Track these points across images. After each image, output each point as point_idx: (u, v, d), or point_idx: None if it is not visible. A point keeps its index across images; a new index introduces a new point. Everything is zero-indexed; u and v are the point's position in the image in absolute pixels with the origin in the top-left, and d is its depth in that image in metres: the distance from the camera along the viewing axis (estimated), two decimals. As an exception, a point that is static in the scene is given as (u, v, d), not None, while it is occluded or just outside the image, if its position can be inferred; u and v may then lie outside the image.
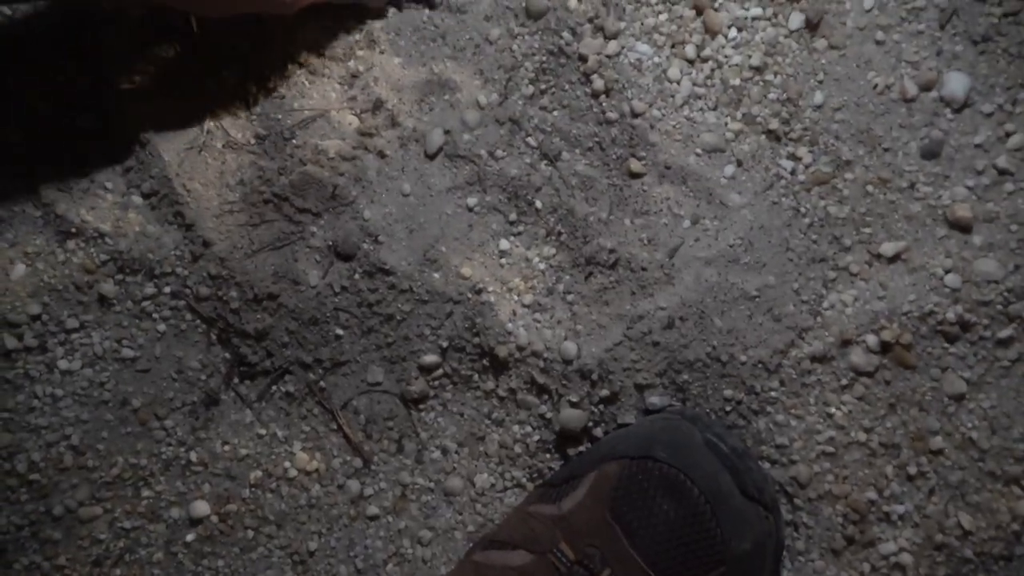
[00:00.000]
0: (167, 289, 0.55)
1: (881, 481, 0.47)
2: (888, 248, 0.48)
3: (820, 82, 0.50)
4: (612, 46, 0.50)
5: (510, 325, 0.51)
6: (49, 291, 0.54)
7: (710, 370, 0.48)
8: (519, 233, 0.52)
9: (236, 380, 0.56)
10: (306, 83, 0.54)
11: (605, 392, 0.49)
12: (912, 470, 0.47)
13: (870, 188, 0.49)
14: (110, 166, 0.54)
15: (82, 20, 0.54)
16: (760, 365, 0.48)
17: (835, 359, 0.48)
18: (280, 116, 0.53)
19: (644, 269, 0.48)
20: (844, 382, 0.48)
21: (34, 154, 0.54)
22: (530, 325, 0.51)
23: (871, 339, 0.47)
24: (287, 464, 0.55)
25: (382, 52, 0.53)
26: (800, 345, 0.48)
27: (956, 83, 0.48)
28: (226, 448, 0.56)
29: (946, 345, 0.47)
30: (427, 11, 0.53)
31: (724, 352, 0.48)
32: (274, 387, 0.55)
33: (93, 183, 0.54)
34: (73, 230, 0.54)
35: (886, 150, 0.49)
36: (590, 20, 0.50)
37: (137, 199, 0.54)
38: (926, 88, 0.49)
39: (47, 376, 0.55)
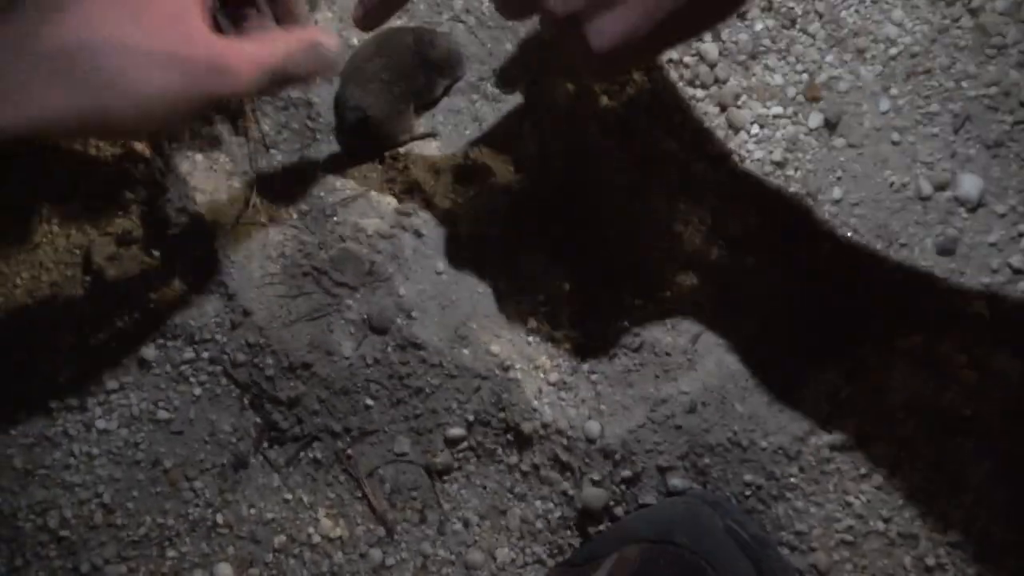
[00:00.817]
0: (205, 355, 0.57)
1: (899, 571, 0.48)
2: (905, 342, 0.50)
3: (839, 178, 0.53)
4: (640, 139, 0.53)
5: (535, 403, 0.52)
6: (92, 352, 0.57)
7: (731, 454, 0.49)
8: (546, 312, 0.54)
9: (266, 445, 0.58)
10: (348, 164, 0.57)
11: (627, 472, 0.50)
12: (931, 562, 0.48)
13: (887, 281, 0.51)
14: (157, 232, 0.57)
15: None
16: (780, 451, 0.49)
17: (853, 448, 0.49)
18: (323, 194, 0.56)
19: (668, 354, 0.50)
20: (863, 471, 0.49)
21: (91, 225, 0.57)
22: (555, 403, 0.52)
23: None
24: (311, 530, 0.56)
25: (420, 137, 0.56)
26: (819, 433, 0.49)
27: (970, 184, 0.50)
28: (252, 511, 0.57)
29: (959, 440, 0.48)
30: (468, 98, 0.57)
31: (745, 437, 0.49)
32: (302, 453, 0.57)
33: (140, 250, 0.57)
34: (119, 295, 0.56)
35: (903, 245, 0.51)
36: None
37: (181, 267, 0.57)
38: (941, 188, 0.51)
39: (84, 435, 0.57)
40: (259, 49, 0.40)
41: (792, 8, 0.55)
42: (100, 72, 0.35)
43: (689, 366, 0.50)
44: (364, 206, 0.55)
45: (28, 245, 0.57)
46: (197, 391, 0.57)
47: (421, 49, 0.52)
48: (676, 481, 0.49)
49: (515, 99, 0.56)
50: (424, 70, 0.53)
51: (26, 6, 0.35)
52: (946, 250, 0.51)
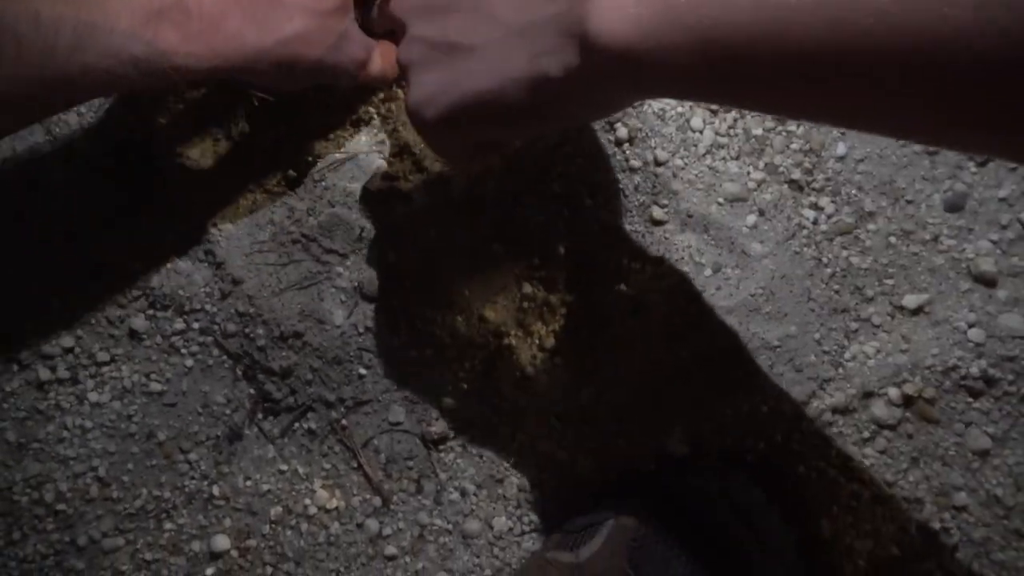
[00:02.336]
0: (196, 325, 0.56)
1: (904, 537, 0.47)
2: (911, 300, 0.48)
3: (842, 133, 0.51)
4: (636, 96, 0.51)
5: (530, 369, 0.51)
6: (82, 324, 0.56)
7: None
8: (540, 277, 0.53)
9: (260, 416, 0.57)
10: (336, 128, 0.55)
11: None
12: (935, 526, 0.47)
13: (893, 240, 0.49)
14: (146, 204, 0.56)
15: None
16: (781, 415, 0.48)
17: (857, 411, 0.48)
18: (310, 159, 0.55)
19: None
20: (866, 435, 0.48)
21: (74, 194, 0.56)
22: (550, 370, 0.51)
23: (893, 392, 0.47)
24: (307, 501, 0.55)
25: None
26: (821, 396, 0.48)
27: (980, 137, 0.48)
28: (248, 483, 0.56)
29: (970, 400, 0.47)
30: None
31: (745, 402, 0.48)
32: (297, 424, 0.56)
33: (128, 220, 0.56)
34: (106, 265, 0.55)
35: (909, 202, 0.50)
36: (615, 71, 0.51)
37: (169, 236, 0.56)
38: (949, 141, 0.49)
39: (77, 408, 0.57)
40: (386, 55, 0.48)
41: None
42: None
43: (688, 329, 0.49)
44: (353, 170, 0.54)
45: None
46: (189, 362, 0.56)
47: None
48: (674, 447, 0.48)
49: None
50: None
51: None
52: (954, 206, 0.49)
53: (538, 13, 0.31)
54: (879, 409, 0.47)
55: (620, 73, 0.28)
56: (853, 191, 0.50)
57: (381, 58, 0.49)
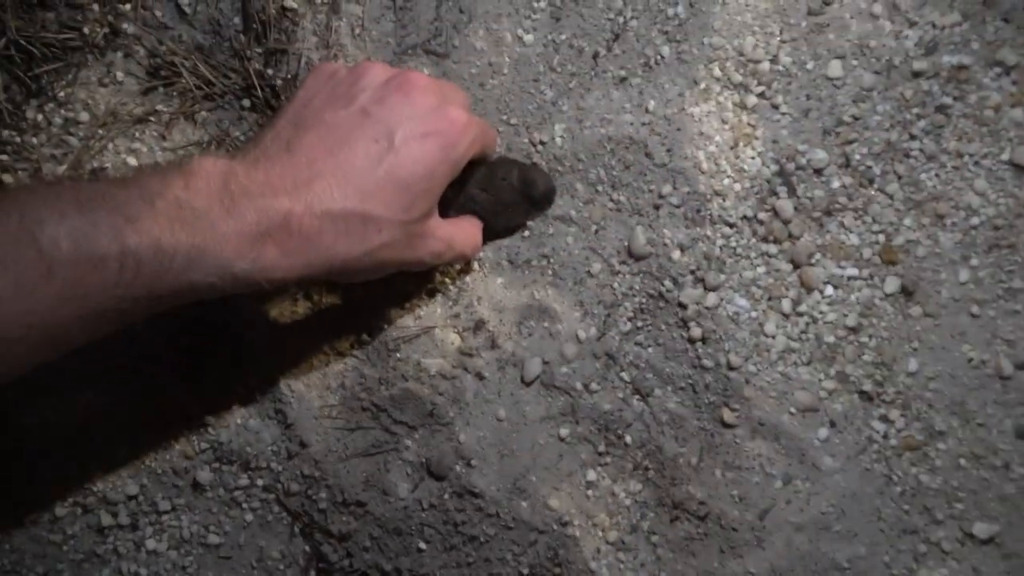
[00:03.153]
0: (260, 482, 0.56)
1: None
2: (981, 529, 0.48)
3: (915, 349, 0.51)
4: (711, 298, 0.52)
5: (593, 563, 0.51)
6: (148, 473, 0.57)
7: (796, 639, 0.48)
8: (607, 464, 0.53)
9: (313, 574, 0.57)
10: (413, 297, 0.56)
11: (686, 649, 0.48)
12: None
13: (963, 462, 0.50)
14: (223, 360, 0.57)
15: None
16: (847, 640, 0.47)
17: (925, 641, 0.47)
18: (385, 326, 0.56)
19: (735, 529, 0.49)
20: (934, 666, 0.47)
21: (155, 344, 0.57)
22: (613, 565, 0.51)
23: (963, 625, 0.47)
24: (355, 669, 0.55)
25: (485, 274, 0.56)
26: (889, 622, 0.48)
27: (1053, 366, 0.49)
28: (295, 643, 0.56)
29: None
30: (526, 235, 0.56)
31: (811, 623, 0.47)
32: (350, 587, 0.56)
33: (203, 373, 0.57)
34: (179, 417, 0.56)
35: (980, 425, 0.50)
36: (692, 272, 0.53)
37: (242, 393, 0.57)
38: (1022, 367, 0.50)
39: (134, 554, 0.57)
40: (464, 239, 0.51)
41: (871, 167, 0.54)
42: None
43: (756, 544, 0.49)
44: (427, 344, 0.55)
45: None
46: (249, 517, 0.57)
47: (525, 189, 0.53)
48: (737, 663, 0.48)
49: (583, 241, 0.56)
50: (523, 206, 0.54)
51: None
52: (1026, 433, 0.49)
53: None
54: (948, 641, 0.47)
55: None
56: (924, 408, 0.51)
57: (460, 236, 0.51)
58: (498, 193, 0.53)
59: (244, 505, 0.57)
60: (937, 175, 0.53)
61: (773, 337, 0.52)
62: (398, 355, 0.55)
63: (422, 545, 0.54)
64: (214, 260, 0.40)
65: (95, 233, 0.37)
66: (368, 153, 0.44)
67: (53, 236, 0.36)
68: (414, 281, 0.57)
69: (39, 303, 0.36)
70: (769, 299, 0.53)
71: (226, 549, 0.57)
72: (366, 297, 0.57)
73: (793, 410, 0.51)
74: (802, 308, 0.53)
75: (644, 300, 0.54)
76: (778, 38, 0.54)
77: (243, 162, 0.42)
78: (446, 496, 0.53)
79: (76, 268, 0.36)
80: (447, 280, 0.56)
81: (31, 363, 0.38)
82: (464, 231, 0.52)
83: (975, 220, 0.52)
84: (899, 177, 0.54)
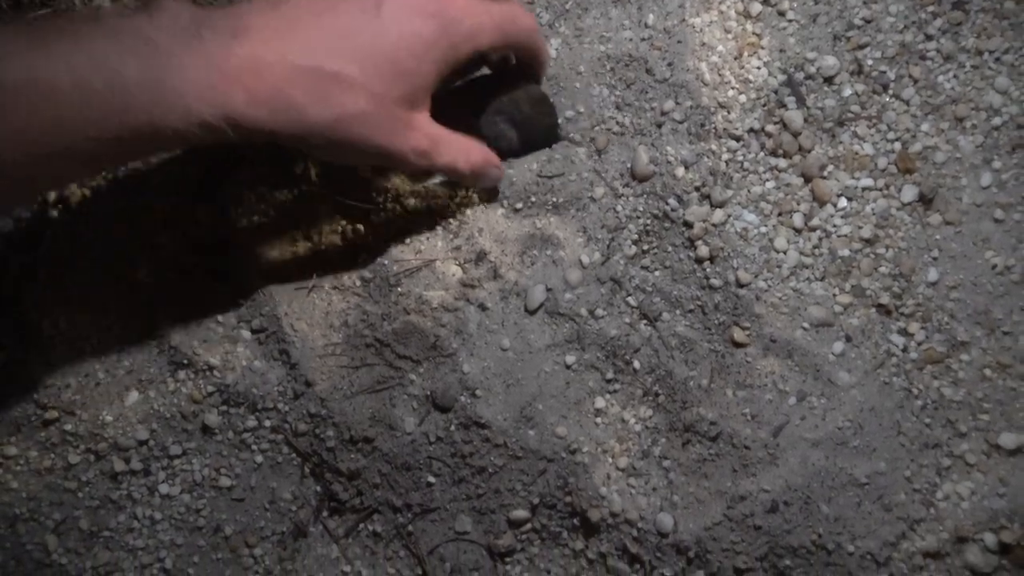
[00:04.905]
0: (267, 423, 0.56)
1: None
2: (1008, 440, 0.46)
3: (935, 258, 0.49)
4: (718, 215, 0.50)
5: (603, 489, 0.50)
6: (158, 418, 0.57)
7: (815, 558, 0.46)
8: (615, 391, 0.52)
9: (325, 514, 0.57)
10: (413, 232, 0.55)
11: (701, 571, 0.47)
12: None
13: (988, 372, 0.47)
14: (224, 303, 0.57)
15: (211, 167, 0.57)
16: (869, 556, 0.46)
17: (949, 556, 0.46)
18: (387, 262, 0.55)
19: (747, 447, 0.47)
20: (960, 582, 0.45)
21: (158, 290, 0.57)
22: (624, 491, 0.50)
23: (989, 538, 0.45)
24: (370, 605, 0.55)
25: (485, 206, 0.55)
26: (912, 538, 0.46)
27: (1083, 269, 0.46)
28: (311, 582, 0.56)
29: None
30: (535, 167, 0.55)
31: (830, 540, 0.46)
32: (362, 525, 0.56)
33: (206, 318, 0.57)
34: (185, 361, 0.56)
35: (1006, 333, 0.48)
36: (697, 188, 0.51)
37: (246, 334, 0.56)
38: (1050, 271, 0.47)
39: (148, 499, 0.57)
40: (457, 149, 0.48)
41: (884, 72, 0.51)
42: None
43: (770, 461, 0.47)
44: (429, 277, 0.54)
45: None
46: (259, 459, 0.57)
47: (528, 119, 0.52)
48: (754, 583, 0.46)
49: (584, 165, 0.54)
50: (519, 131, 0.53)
51: None
52: (1055, 340, 0.47)
53: None
54: (973, 555, 0.45)
55: None
56: (945, 318, 0.48)
57: (452, 143, 0.48)
58: (522, 124, 0.52)
59: (254, 447, 0.57)
60: (955, 76, 0.51)
61: (784, 252, 0.50)
62: (399, 290, 0.54)
63: (431, 479, 0.53)
64: (175, 99, 0.38)
65: (48, 64, 0.36)
66: (352, 18, 0.42)
67: (3, 68, 0.35)
68: (415, 217, 0.56)
69: None
70: (779, 214, 0.51)
71: (238, 491, 0.57)
72: (366, 233, 0.56)
73: (806, 326, 0.49)
74: (814, 222, 0.50)
75: (649, 222, 0.52)
76: (781, -62, 0.51)
77: (218, 7, 0.41)
78: (452, 428, 0.52)
79: (28, 98, 0.35)
80: (449, 212, 0.55)
81: None
82: (458, 141, 0.48)
83: (997, 120, 0.50)
84: (915, 81, 0.51)
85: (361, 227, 0.56)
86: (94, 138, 0.38)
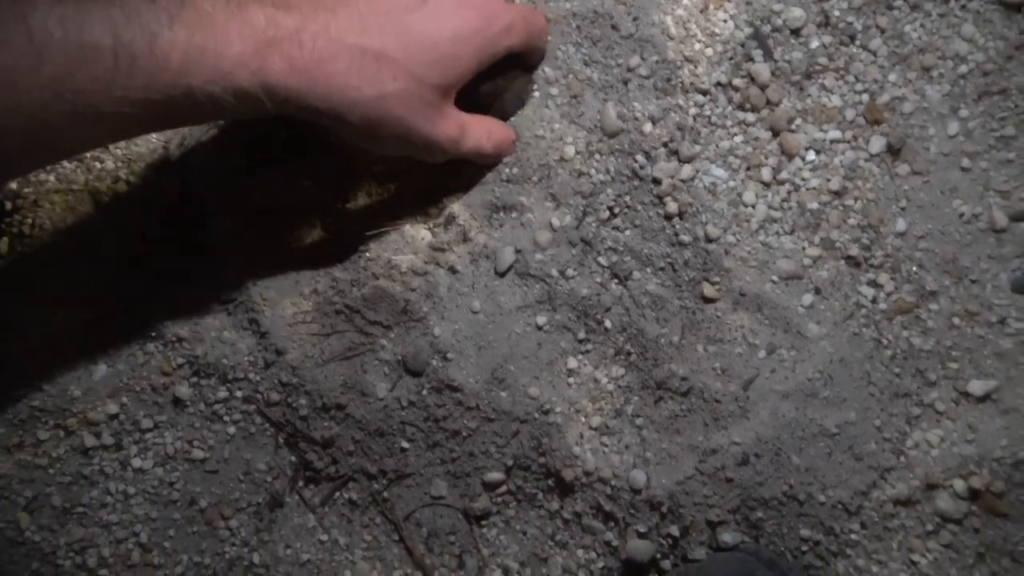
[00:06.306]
0: (239, 393, 0.56)
1: (971, 637, 0.45)
2: (977, 387, 0.46)
3: (903, 208, 0.49)
4: (686, 170, 0.50)
5: (577, 448, 0.50)
6: (127, 391, 0.56)
7: (786, 509, 0.46)
8: (587, 352, 0.52)
9: (301, 484, 0.56)
10: (382, 197, 0.55)
11: (674, 526, 0.47)
12: (1005, 626, 0.44)
13: (956, 321, 0.47)
14: (192, 275, 0.56)
15: (180, 139, 0.56)
16: (840, 506, 0.46)
17: (920, 503, 0.46)
18: (355, 228, 0.54)
19: (718, 401, 0.47)
20: (929, 528, 0.46)
21: (125, 264, 0.56)
22: (597, 449, 0.50)
23: (959, 484, 0.45)
24: (348, 573, 0.55)
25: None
26: (882, 487, 0.46)
27: (1050, 214, 0.46)
28: (288, 552, 0.56)
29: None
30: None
31: (802, 491, 0.46)
32: (337, 493, 0.56)
33: (174, 290, 0.56)
34: (153, 334, 0.56)
35: (973, 282, 0.48)
36: (664, 144, 0.50)
37: (215, 305, 0.56)
38: (1017, 219, 0.47)
39: (120, 473, 0.57)
40: (480, 131, 0.49)
41: (851, 23, 0.51)
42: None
43: (741, 414, 0.47)
44: (398, 241, 0.53)
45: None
46: (231, 430, 0.56)
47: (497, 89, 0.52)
48: (727, 536, 0.46)
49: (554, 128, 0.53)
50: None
51: None
52: (1023, 287, 0.47)
53: None
54: (944, 502, 0.45)
55: None
56: (914, 268, 0.48)
57: (477, 125, 0.48)
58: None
59: (226, 418, 0.56)
60: (922, 25, 0.50)
61: (753, 207, 0.50)
62: (368, 255, 0.54)
63: (405, 444, 0.53)
64: (214, 63, 0.37)
65: (88, 21, 0.35)
66: (398, 1, 0.42)
67: (43, 21, 0.34)
68: (383, 180, 0.55)
69: (27, 93, 0.34)
70: (748, 168, 0.51)
71: (212, 463, 0.56)
72: (333, 197, 0.55)
73: (776, 279, 0.49)
74: (783, 176, 0.50)
75: (621, 183, 0.52)
76: None
77: None
78: (425, 392, 0.52)
79: (67, 57, 0.34)
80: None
81: (22, 164, 0.37)
82: (480, 122, 0.49)
83: (963, 68, 0.49)
84: (882, 31, 0.51)
85: (330, 192, 0.55)
86: (127, 99, 0.36)
